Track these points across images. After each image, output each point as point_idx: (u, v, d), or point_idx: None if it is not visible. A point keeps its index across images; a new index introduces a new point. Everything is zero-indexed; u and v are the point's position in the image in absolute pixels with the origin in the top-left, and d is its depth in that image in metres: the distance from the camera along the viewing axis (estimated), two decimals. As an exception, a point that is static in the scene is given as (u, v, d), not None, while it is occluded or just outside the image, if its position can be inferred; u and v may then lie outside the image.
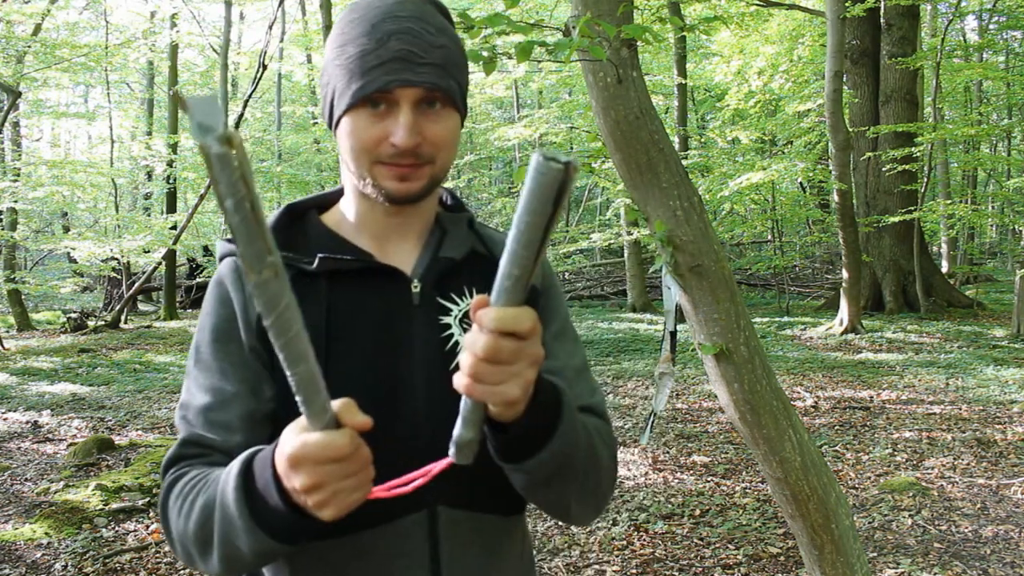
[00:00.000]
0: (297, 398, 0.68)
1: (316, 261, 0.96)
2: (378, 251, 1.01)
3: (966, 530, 3.75)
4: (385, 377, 0.96)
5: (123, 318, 14.20)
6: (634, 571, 3.45)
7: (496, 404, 0.75)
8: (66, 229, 18.75)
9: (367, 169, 0.94)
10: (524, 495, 0.95)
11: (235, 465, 0.82)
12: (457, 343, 0.99)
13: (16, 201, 12.95)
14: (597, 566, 3.49)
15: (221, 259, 1.03)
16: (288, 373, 0.65)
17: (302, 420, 0.72)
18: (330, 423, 0.71)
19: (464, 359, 0.71)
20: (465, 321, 1.00)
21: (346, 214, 1.03)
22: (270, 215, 1.00)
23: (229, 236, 0.95)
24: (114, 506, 4.26)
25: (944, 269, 15.85)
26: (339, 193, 1.07)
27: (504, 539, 1.02)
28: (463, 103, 0.97)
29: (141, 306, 17.82)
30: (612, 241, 13.70)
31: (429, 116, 0.93)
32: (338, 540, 0.93)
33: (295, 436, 0.72)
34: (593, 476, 0.93)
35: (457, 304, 1.01)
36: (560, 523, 3.97)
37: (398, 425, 0.94)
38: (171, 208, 17.45)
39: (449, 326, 1.00)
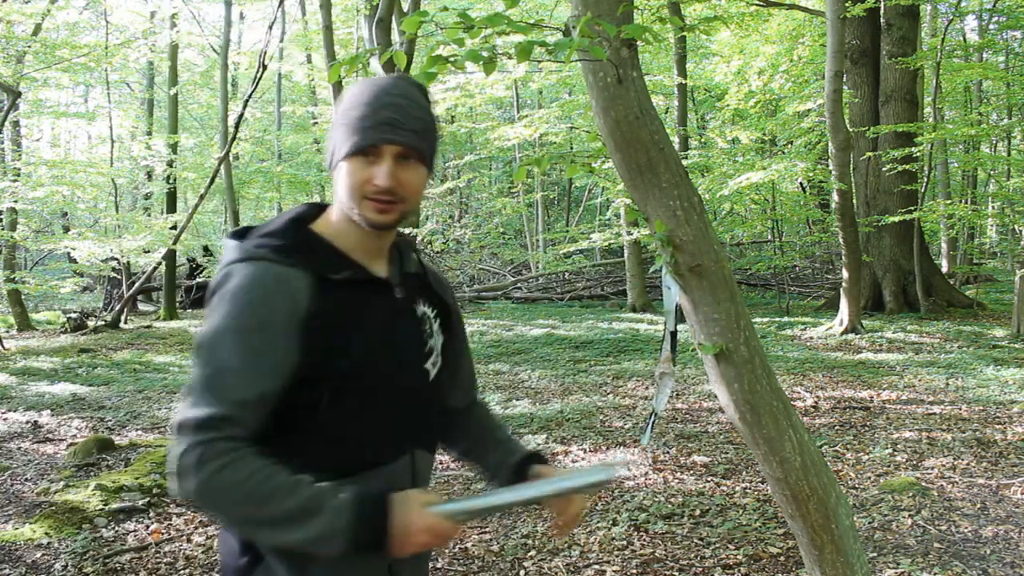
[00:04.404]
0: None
1: (342, 274, 1.28)
2: (368, 265, 1.33)
3: (966, 530, 3.75)
4: (393, 352, 1.33)
5: (123, 318, 14.19)
6: (634, 571, 3.45)
7: None
8: (66, 229, 18.73)
9: (357, 202, 1.26)
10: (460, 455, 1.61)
11: (348, 503, 1.16)
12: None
13: (16, 201, 12.95)
14: (597, 566, 3.50)
15: (245, 260, 1.24)
16: None
17: (422, 498, 1.21)
18: None
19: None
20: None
21: (340, 233, 1.32)
22: (278, 221, 1.32)
23: (264, 239, 1.26)
24: (114, 506, 4.26)
25: (944, 269, 15.84)
26: (317, 208, 1.37)
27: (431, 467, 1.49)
28: (431, 162, 1.32)
29: (141, 306, 17.81)
30: (612, 241, 13.70)
31: (404, 167, 1.27)
32: (353, 478, 1.25)
33: (423, 510, 1.19)
34: None
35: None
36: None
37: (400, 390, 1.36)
38: (171, 208, 17.44)
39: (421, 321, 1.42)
